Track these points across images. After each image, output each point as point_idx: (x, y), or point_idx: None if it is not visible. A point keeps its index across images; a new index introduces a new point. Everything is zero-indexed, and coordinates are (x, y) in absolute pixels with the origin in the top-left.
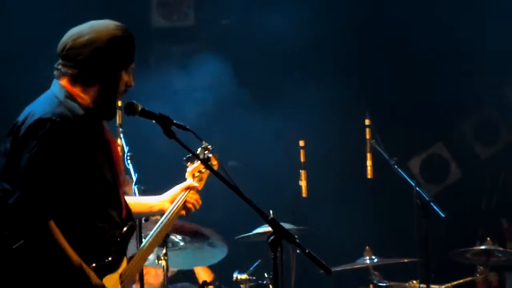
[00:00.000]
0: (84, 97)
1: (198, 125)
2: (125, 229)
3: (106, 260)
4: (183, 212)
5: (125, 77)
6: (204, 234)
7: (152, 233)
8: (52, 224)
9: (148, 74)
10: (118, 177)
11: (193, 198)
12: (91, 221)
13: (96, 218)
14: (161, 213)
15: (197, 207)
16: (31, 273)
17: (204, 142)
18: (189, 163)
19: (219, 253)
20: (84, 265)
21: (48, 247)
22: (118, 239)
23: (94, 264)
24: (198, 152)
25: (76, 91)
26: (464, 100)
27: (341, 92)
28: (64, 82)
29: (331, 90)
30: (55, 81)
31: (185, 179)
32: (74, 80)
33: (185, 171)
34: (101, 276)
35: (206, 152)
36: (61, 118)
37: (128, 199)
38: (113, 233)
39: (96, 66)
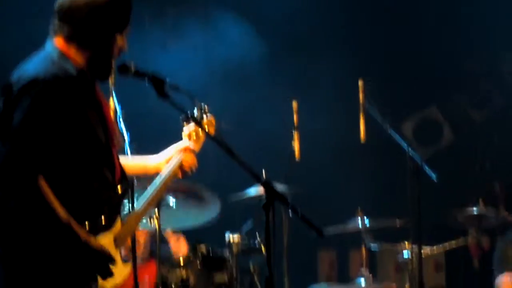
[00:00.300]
0: (77, 57)
1: (191, 87)
2: (119, 189)
3: (99, 219)
4: (179, 174)
5: (120, 41)
6: (196, 192)
7: (146, 194)
8: (41, 180)
9: (142, 35)
10: (112, 137)
11: (190, 160)
12: (84, 180)
13: (89, 177)
14: (157, 174)
15: (194, 168)
16: (24, 232)
17: (197, 103)
18: (185, 123)
19: (212, 211)
20: (73, 221)
21: (36, 203)
22: (112, 199)
23: (87, 223)
24: (195, 112)
25: (70, 51)
26: (458, 64)
27: (334, 55)
28: (58, 41)
29: (324, 52)
30: (49, 41)
31: (180, 139)
32: (69, 39)
33: (180, 131)
34: (95, 234)
35: (202, 112)
36: (54, 78)
37: (123, 159)
38: (107, 193)
39: (93, 26)
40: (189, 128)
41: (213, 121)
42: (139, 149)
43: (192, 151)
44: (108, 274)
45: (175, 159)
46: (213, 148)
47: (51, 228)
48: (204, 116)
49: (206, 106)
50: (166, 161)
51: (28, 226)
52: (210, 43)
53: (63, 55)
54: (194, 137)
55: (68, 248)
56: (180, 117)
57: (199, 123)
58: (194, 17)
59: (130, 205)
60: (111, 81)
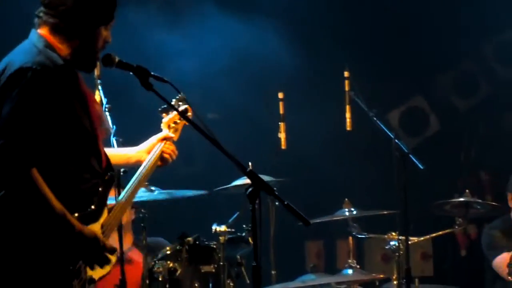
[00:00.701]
0: (62, 48)
1: (176, 78)
2: (105, 179)
3: (88, 209)
4: (160, 163)
5: (104, 33)
6: None
7: (130, 184)
8: (35, 172)
9: (125, 25)
10: (97, 127)
11: (170, 149)
12: (73, 170)
13: (77, 167)
14: (138, 164)
15: (174, 157)
16: (14, 222)
17: (180, 94)
18: (164, 114)
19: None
20: (67, 213)
21: (31, 196)
22: (100, 189)
23: (76, 214)
24: (173, 103)
25: (55, 41)
26: (443, 53)
27: (320, 45)
28: (43, 31)
29: (310, 42)
30: (33, 31)
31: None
32: (54, 30)
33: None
34: (84, 225)
35: (181, 103)
36: (41, 67)
37: (106, 150)
38: (95, 182)
39: (78, 18)
40: (168, 118)
41: (189, 110)
42: (124, 141)
43: (172, 140)
44: (105, 261)
45: (156, 148)
46: (200, 139)
47: (46, 219)
48: (180, 105)
49: (183, 95)
50: (147, 151)
51: (21, 217)
52: (199, 33)
53: (48, 45)
54: (173, 126)
55: (62, 239)
56: (158, 109)
57: (181, 112)
58: (174, 8)
59: (117, 193)
60: (96, 73)
